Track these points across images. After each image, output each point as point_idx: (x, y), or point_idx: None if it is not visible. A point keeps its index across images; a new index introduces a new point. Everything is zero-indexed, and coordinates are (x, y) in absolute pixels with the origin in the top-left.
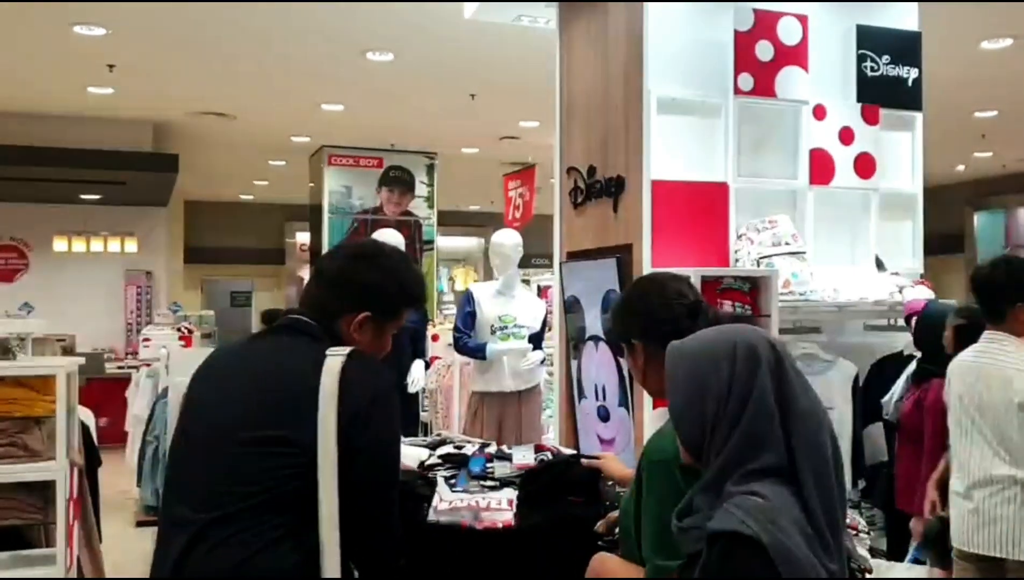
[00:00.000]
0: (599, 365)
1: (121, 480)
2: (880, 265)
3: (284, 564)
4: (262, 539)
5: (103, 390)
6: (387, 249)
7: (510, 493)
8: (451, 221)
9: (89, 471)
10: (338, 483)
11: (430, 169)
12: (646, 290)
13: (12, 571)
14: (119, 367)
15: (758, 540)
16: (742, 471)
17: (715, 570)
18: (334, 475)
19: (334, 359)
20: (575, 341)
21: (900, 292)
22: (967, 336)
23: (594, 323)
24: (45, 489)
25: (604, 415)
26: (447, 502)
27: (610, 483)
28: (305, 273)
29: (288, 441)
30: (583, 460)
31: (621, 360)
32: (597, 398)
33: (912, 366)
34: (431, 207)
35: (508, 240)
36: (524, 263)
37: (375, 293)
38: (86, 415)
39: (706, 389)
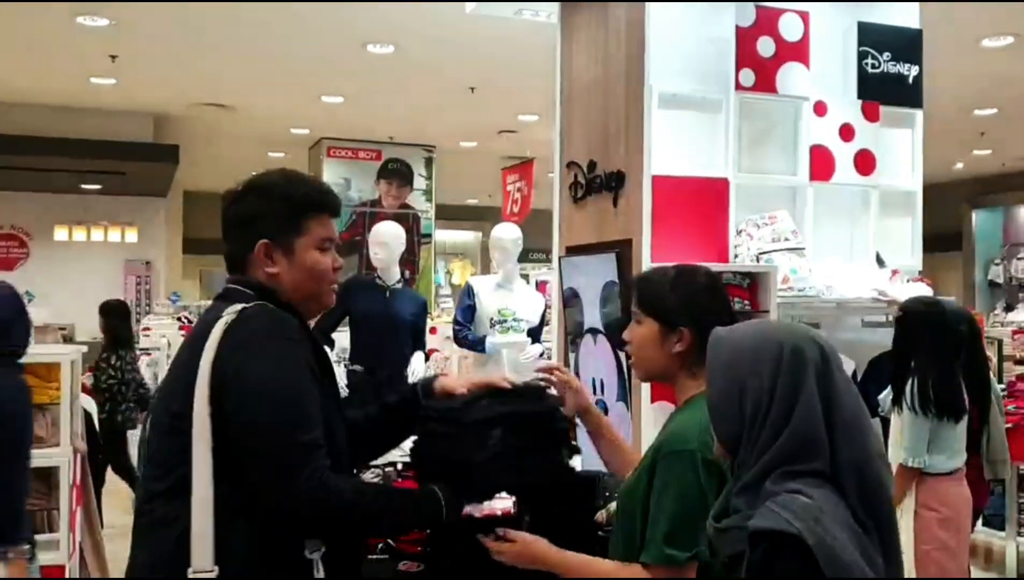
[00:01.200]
0: (597, 359)
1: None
2: (880, 262)
3: (157, 555)
4: (168, 528)
5: None
6: (263, 175)
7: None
8: (449, 215)
9: (90, 458)
10: (228, 459)
11: (428, 162)
12: (694, 275)
13: None
14: None
15: (802, 540)
16: (783, 471)
17: (760, 570)
18: (208, 450)
19: (221, 321)
20: (573, 335)
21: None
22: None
23: (593, 317)
24: (49, 475)
25: (602, 409)
26: None
27: (607, 475)
28: None
29: (183, 416)
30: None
31: (621, 354)
32: (595, 393)
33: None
34: (429, 200)
35: (508, 234)
36: (522, 257)
37: (258, 217)
38: (88, 403)
39: (744, 388)
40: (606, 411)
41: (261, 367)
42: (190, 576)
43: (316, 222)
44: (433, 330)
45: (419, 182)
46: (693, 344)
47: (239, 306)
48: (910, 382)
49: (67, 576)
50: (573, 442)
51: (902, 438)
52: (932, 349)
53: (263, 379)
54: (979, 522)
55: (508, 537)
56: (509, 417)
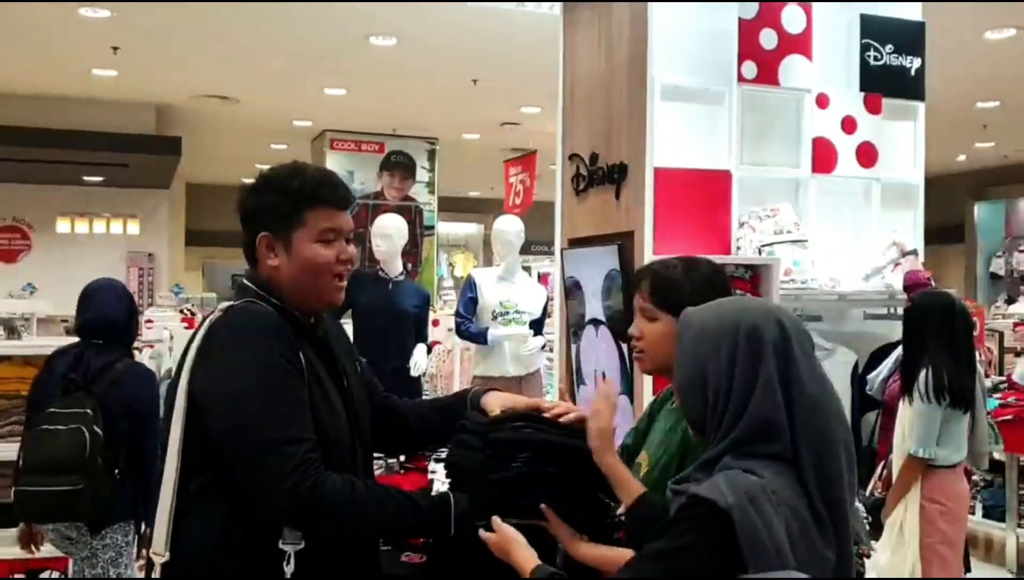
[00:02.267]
0: (599, 351)
1: None
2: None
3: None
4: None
5: None
6: (271, 169)
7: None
8: (451, 207)
9: None
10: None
11: (431, 154)
12: (703, 268)
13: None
14: None
15: (728, 514)
16: (743, 451)
17: (678, 526)
18: (177, 442)
19: (208, 319)
20: (575, 327)
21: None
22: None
23: (595, 308)
24: None
25: None
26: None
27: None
28: None
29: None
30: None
31: (624, 347)
32: (597, 384)
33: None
34: (432, 193)
35: (511, 226)
36: (524, 250)
37: (259, 210)
38: None
39: (707, 371)
40: None
41: (223, 373)
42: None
43: (315, 214)
44: (436, 322)
45: (421, 174)
46: None
47: (227, 304)
48: (924, 372)
49: (70, 567)
50: None
51: (911, 429)
52: (946, 339)
53: (224, 385)
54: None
55: (494, 526)
56: (544, 445)
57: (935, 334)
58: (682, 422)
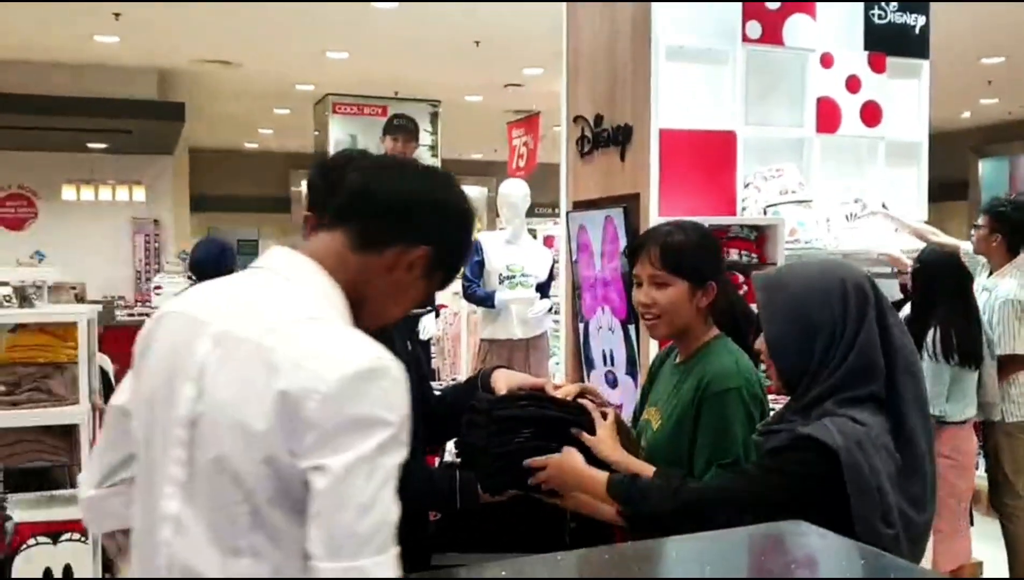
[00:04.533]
0: (606, 332)
1: None
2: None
3: None
4: None
5: (115, 337)
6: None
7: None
8: (455, 169)
9: None
10: None
11: (434, 117)
12: (703, 230)
13: (39, 509)
14: (129, 315)
15: (836, 454)
16: (843, 397)
17: (787, 459)
18: None
19: None
20: (579, 289)
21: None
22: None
23: (600, 269)
24: (69, 432)
25: (612, 381)
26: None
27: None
28: None
29: None
30: (573, 430)
31: (630, 329)
32: (605, 363)
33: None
34: (435, 156)
35: (516, 190)
36: (528, 212)
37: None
38: (104, 361)
39: (815, 325)
40: (615, 383)
41: None
42: None
43: None
44: None
45: (424, 137)
46: (715, 295)
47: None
48: (932, 331)
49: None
50: None
51: None
52: (954, 297)
53: None
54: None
55: (536, 465)
56: (541, 421)
57: (944, 292)
58: (691, 377)
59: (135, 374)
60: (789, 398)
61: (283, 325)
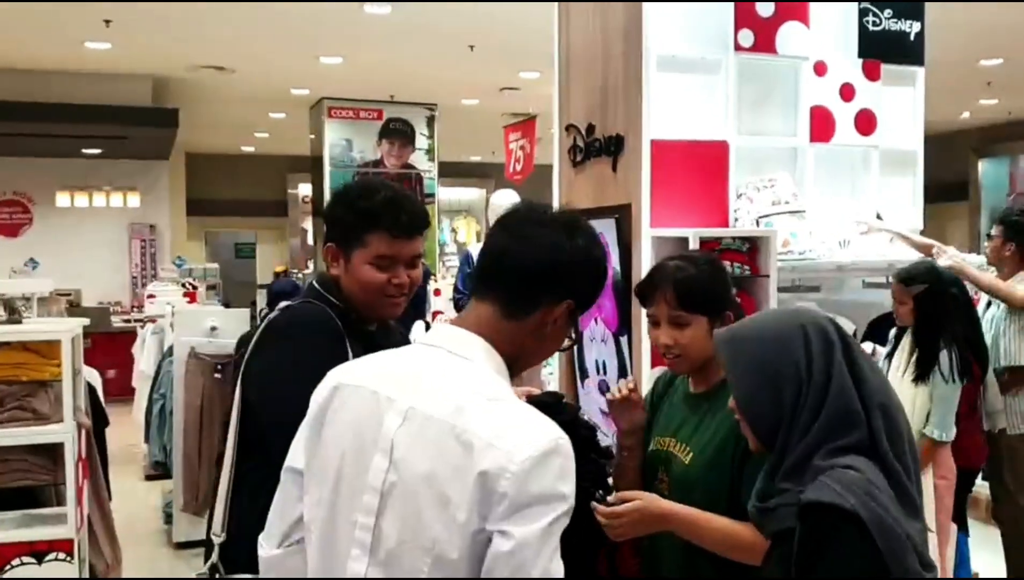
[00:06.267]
0: (599, 344)
1: (129, 434)
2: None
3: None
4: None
5: (110, 343)
6: (359, 180)
7: None
8: (453, 172)
9: (97, 431)
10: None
11: (430, 121)
12: (712, 260)
13: (24, 530)
14: (125, 321)
15: (856, 514)
16: (828, 448)
17: (813, 543)
18: (234, 428)
19: (270, 315)
20: None
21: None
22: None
23: None
24: (54, 451)
25: (605, 389)
26: None
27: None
28: (308, 225)
29: None
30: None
31: (622, 340)
32: (598, 373)
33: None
34: (432, 160)
35: (505, 201)
36: None
37: (332, 220)
38: (92, 376)
39: (780, 375)
40: (607, 391)
41: (267, 369)
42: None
43: (376, 238)
44: (437, 292)
45: (421, 141)
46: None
47: (286, 303)
48: (945, 354)
49: (76, 549)
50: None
51: (923, 410)
52: (962, 315)
53: (266, 381)
54: (979, 476)
55: (626, 498)
56: None
57: (952, 312)
58: (720, 409)
59: (313, 440)
60: (770, 458)
61: (470, 405)
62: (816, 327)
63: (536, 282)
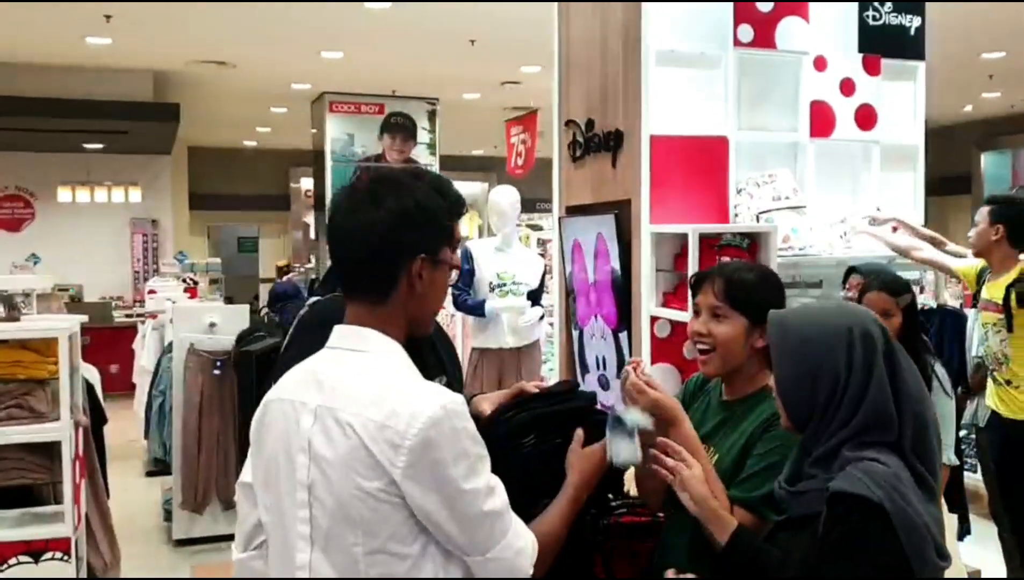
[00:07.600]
0: (599, 340)
1: (130, 429)
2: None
3: None
4: None
5: (112, 338)
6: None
7: None
8: (455, 166)
9: (95, 429)
10: None
11: (432, 115)
12: (767, 271)
13: (22, 528)
14: (127, 315)
15: (881, 507)
16: (859, 441)
17: (838, 531)
18: None
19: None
20: (574, 294)
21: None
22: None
23: (593, 272)
24: (51, 449)
25: (605, 384)
26: None
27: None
28: (310, 219)
29: None
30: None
31: (621, 337)
32: (599, 368)
33: None
34: (433, 154)
35: (505, 198)
36: (530, 208)
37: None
38: (90, 373)
39: (819, 371)
40: (608, 385)
41: (298, 355)
42: None
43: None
44: None
45: (422, 136)
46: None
47: (315, 298)
48: (940, 366)
49: (73, 548)
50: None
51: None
52: (951, 328)
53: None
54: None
55: (668, 466)
56: (540, 420)
57: (938, 328)
58: (748, 419)
59: (256, 455)
60: (801, 441)
61: (367, 392)
62: (862, 330)
63: (374, 266)
